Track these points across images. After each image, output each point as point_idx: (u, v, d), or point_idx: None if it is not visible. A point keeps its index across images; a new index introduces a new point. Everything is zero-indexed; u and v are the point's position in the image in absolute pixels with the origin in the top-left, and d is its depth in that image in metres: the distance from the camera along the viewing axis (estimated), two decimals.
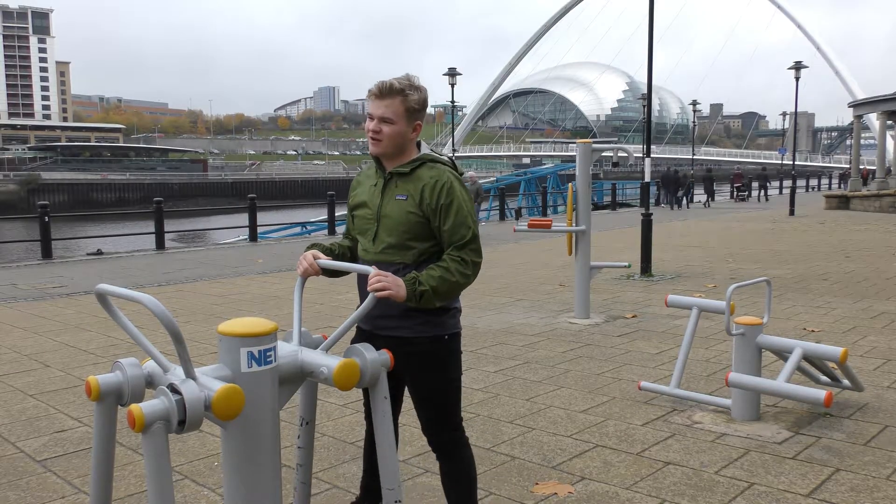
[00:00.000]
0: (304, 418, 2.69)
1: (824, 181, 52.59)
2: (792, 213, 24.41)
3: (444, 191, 2.57)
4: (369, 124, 2.60)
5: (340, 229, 18.00)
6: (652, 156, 12.58)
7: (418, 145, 2.71)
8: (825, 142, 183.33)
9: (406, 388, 2.81)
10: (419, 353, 2.64)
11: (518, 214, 28.97)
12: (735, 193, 35.95)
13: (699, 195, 33.21)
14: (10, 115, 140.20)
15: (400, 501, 2.44)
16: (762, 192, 35.29)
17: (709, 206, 31.44)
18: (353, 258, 2.80)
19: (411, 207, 2.58)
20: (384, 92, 2.55)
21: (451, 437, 2.77)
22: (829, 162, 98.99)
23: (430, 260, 2.59)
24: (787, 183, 29.45)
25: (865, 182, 34.29)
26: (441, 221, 2.57)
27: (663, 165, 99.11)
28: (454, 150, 46.35)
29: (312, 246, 2.69)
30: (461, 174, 2.73)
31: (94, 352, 6.56)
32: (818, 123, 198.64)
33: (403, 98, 2.55)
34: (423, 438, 2.84)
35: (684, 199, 31.16)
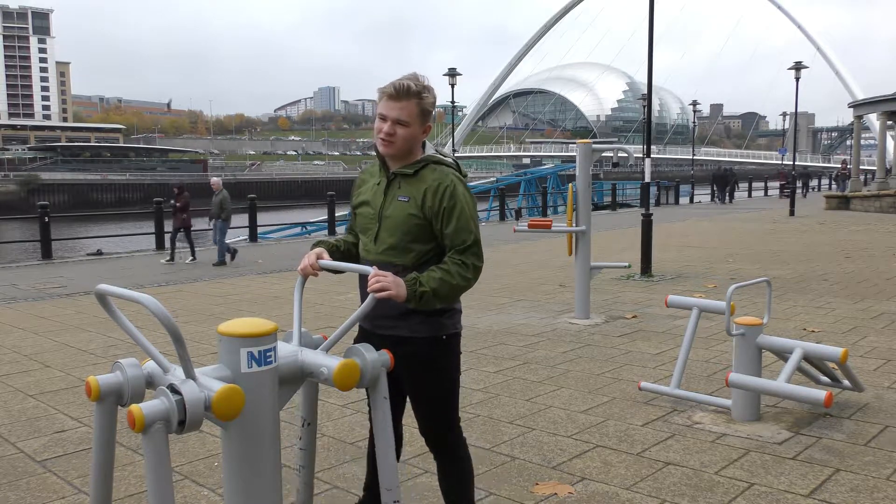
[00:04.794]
0: (305, 419, 2.69)
1: (824, 182, 52.66)
2: (792, 213, 24.41)
3: (446, 194, 2.55)
4: (382, 125, 2.53)
5: (340, 230, 17.97)
6: (652, 156, 12.58)
7: (423, 145, 2.69)
8: (825, 142, 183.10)
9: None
10: (417, 353, 2.63)
11: (518, 215, 28.99)
12: (782, 190, 39.76)
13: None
14: (10, 115, 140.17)
15: (398, 502, 2.44)
16: (804, 189, 40.44)
17: (729, 202, 34.74)
18: (358, 254, 2.79)
19: (413, 210, 2.56)
20: (401, 93, 2.49)
21: (448, 438, 2.77)
22: (829, 162, 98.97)
23: (430, 262, 2.57)
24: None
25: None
26: (443, 225, 2.55)
27: (664, 165, 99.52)
28: (454, 151, 46.34)
29: (319, 243, 2.66)
30: (465, 175, 2.71)
31: (94, 352, 6.56)
32: (818, 124, 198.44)
33: (419, 100, 2.51)
34: (424, 439, 2.84)
35: (728, 194, 35.08)
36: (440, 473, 2.83)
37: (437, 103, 2.71)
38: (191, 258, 14.27)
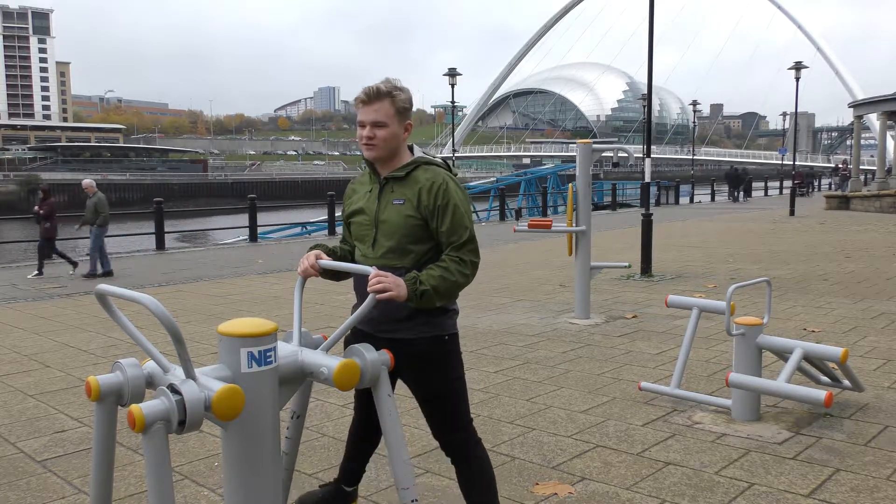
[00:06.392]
0: (295, 412, 2.71)
1: (825, 181, 52.71)
2: (792, 213, 24.41)
3: (440, 192, 2.58)
4: (362, 132, 2.60)
5: (340, 230, 17.93)
6: (652, 156, 12.58)
7: (411, 148, 2.72)
8: (825, 142, 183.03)
9: (405, 391, 2.82)
10: (420, 354, 2.64)
11: (518, 215, 29.00)
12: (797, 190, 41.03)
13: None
14: (10, 115, 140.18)
15: (416, 501, 2.44)
16: (807, 188, 42.70)
17: (743, 200, 36.28)
18: (354, 261, 2.80)
19: (409, 211, 2.59)
20: (372, 96, 2.56)
21: (461, 438, 2.76)
22: (829, 162, 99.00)
23: (430, 262, 2.60)
24: (787, 183, 32.11)
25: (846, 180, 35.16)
26: (439, 223, 2.58)
27: (664, 165, 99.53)
28: (454, 151, 46.30)
29: (316, 246, 2.69)
30: (455, 175, 2.74)
31: (94, 352, 6.56)
32: (818, 123, 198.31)
33: (392, 99, 2.57)
34: (424, 439, 2.84)
35: (742, 193, 36.66)
36: (459, 477, 2.79)
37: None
38: (72, 269, 12.52)
